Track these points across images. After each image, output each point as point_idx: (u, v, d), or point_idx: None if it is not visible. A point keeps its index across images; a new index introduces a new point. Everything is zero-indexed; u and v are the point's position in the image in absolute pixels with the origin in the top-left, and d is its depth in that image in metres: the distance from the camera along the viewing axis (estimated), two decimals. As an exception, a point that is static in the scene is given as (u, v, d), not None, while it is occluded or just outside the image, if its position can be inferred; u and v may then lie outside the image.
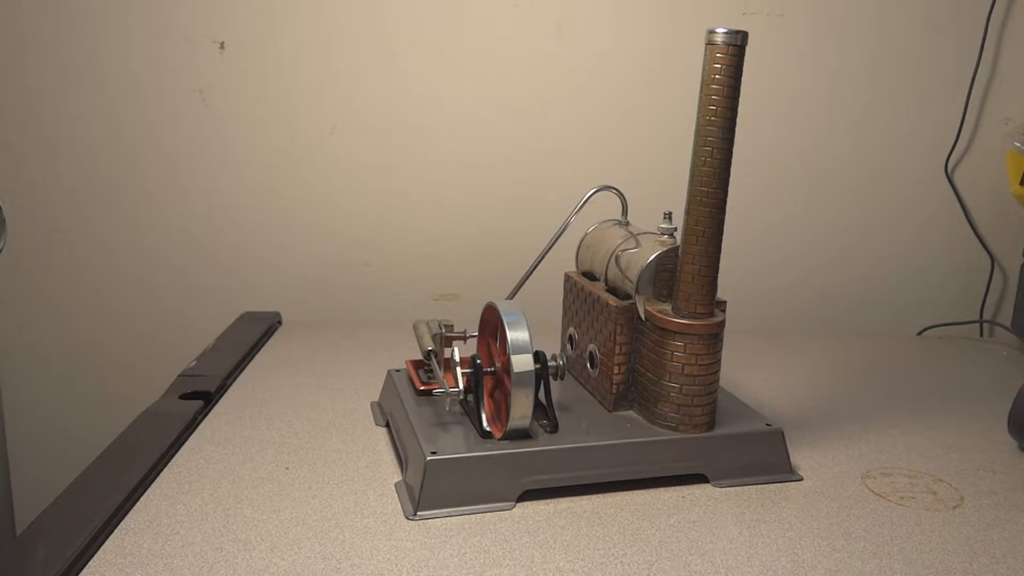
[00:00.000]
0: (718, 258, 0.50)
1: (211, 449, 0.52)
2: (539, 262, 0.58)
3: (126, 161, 0.86)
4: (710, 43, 0.48)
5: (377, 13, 0.83)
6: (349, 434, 0.55)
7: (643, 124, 0.87)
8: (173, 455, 0.51)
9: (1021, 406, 0.56)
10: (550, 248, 0.59)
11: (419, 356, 0.57)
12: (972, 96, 0.85)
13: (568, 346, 0.61)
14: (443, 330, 0.55)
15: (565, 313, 0.62)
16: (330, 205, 0.87)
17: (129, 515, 0.43)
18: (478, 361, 0.50)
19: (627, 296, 0.54)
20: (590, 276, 0.60)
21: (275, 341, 0.76)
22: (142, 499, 0.45)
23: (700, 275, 0.50)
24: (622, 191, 0.88)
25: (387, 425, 0.56)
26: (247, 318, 0.81)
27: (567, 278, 0.61)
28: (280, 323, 0.81)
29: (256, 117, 0.85)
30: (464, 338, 0.56)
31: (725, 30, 0.47)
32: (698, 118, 0.51)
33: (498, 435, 0.48)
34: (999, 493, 0.50)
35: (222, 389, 0.62)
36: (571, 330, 0.60)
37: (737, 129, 0.88)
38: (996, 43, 0.85)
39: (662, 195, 0.89)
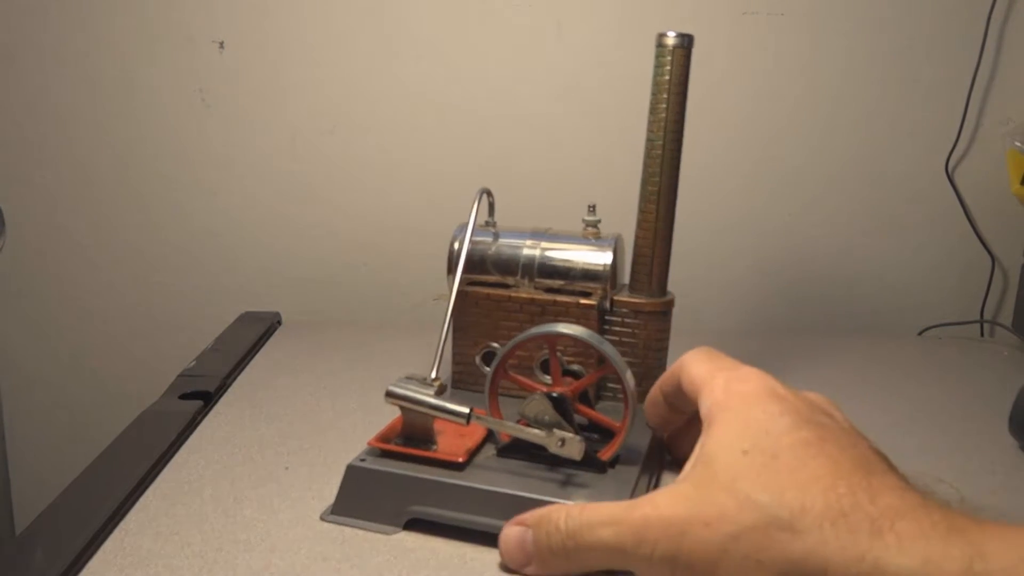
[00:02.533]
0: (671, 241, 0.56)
1: (211, 449, 0.52)
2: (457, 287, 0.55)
3: (125, 161, 0.86)
4: (661, 44, 0.55)
5: (377, 13, 0.83)
6: (349, 434, 0.55)
7: (641, 123, 0.87)
8: (173, 455, 0.51)
9: (1022, 406, 0.56)
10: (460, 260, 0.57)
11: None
12: (972, 96, 0.85)
13: (480, 361, 0.57)
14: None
15: (461, 329, 0.57)
16: (330, 205, 0.87)
17: (129, 515, 0.43)
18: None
19: (582, 293, 0.54)
20: (482, 284, 0.56)
21: (275, 341, 0.76)
22: (142, 499, 0.45)
23: (655, 259, 0.55)
24: (622, 190, 0.88)
25: None
26: (247, 318, 0.81)
27: (468, 294, 0.56)
28: (280, 323, 0.81)
29: (256, 117, 0.85)
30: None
31: (675, 33, 0.55)
32: (650, 115, 0.58)
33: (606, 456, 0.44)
34: (999, 493, 0.50)
35: (222, 389, 0.62)
36: (492, 344, 0.56)
37: (736, 129, 0.89)
38: (996, 43, 0.85)
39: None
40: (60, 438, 0.92)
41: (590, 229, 0.56)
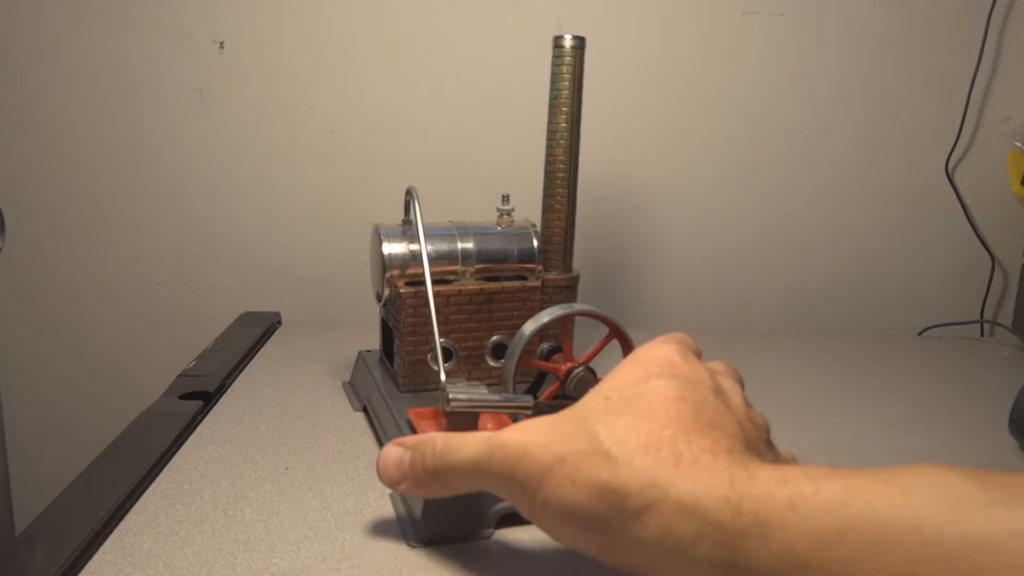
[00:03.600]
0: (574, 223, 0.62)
1: (211, 449, 0.52)
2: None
3: (125, 160, 0.86)
4: (559, 46, 0.59)
5: (377, 13, 0.83)
6: (349, 434, 0.55)
7: (643, 123, 0.87)
8: (173, 455, 0.51)
9: (1022, 406, 0.56)
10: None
11: None
12: (972, 96, 0.85)
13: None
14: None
15: (411, 330, 0.56)
16: (330, 205, 0.87)
17: (129, 515, 0.43)
18: None
19: (519, 277, 0.57)
20: (418, 283, 0.55)
21: (275, 341, 0.76)
22: (142, 499, 0.45)
23: (567, 238, 0.61)
24: (622, 188, 0.88)
25: (364, 410, 0.57)
26: (247, 318, 0.81)
27: (414, 294, 0.55)
28: (280, 323, 0.81)
29: (256, 117, 0.85)
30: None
31: (571, 36, 0.59)
32: (552, 111, 0.62)
33: None
34: (1000, 493, 0.50)
35: (222, 389, 0.62)
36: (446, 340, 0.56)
37: (736, 129, 0.89)
38: (996, 43, 0.85)
39: (661, 191, 0.89)
40: (60, 438, 0.91)
41: (505, 218, 0.58)
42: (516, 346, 0.49)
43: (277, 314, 0.82)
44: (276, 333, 0.78)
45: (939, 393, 0.67)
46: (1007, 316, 0.90)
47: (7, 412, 0.89)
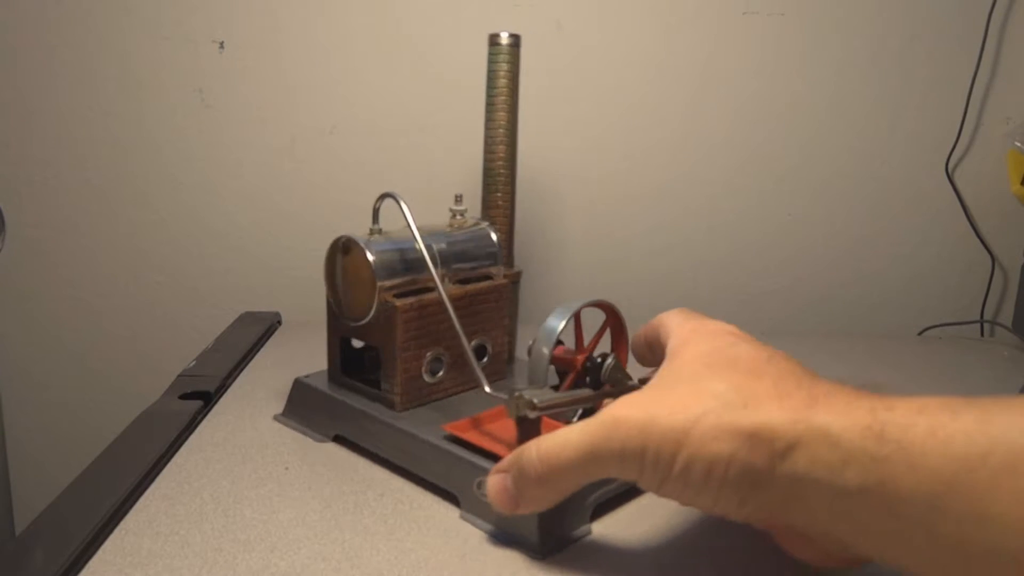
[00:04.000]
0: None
1: (211, 449, 0.52)
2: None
3: (125, 160, 0.86)
4: (495, 44, 0.59)
5: (378, 13, 0.83)
6: (349, 434, 0.55)
7: (643, 122, 0.87)
8: (173, 455, 0.51)
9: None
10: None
11: None
12: (972, 96, 0.85)
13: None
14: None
15: (405, 344, 0.52)
16: (330, 205, 0.87)
17: (129, 515, 0.43)
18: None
19: (485, 276, 0.56)
20: (406, 294, 0.52)
21: (275, 341, 0.76)
22: (142, 499, 0.45)
23: (509, 235, 0.62)
24: (621, 189, 0.88)
25: (336, 439, 0.53)
26: (247, 318, 0.81)
27: (401, 306, 0.52)
28: (280, 323, 0.81)
29: (256, 117, 0.85)
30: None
31: (508, 34, 0.59)
32: (489, 111, 0.61)
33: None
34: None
35: (222, 389, 0.62)
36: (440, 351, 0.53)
37: (736, 128, 0.88)
38: (996, 43, 0.85)
39: (661, 190, 0.89)
40: (60, 438, 0.91)
41: (459, 219, 0.57)
42: (546, 341, 0.47)
43: (277, 314, 0.82)
44: (276, 333, 0.78)
45: (939, 393, 0.67)
46: (1007, 316, 0.90)
47: (7, 412, 0.89)
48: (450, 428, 0.46)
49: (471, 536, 0.42)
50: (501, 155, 0.61)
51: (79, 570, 0.38)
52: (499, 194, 0.61)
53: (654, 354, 0.47)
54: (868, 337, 0.85)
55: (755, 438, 0.32)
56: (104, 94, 0.84)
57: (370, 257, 0.49)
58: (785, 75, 0.86)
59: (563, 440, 0.36)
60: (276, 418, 0.57)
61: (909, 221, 0.90)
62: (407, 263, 0.51)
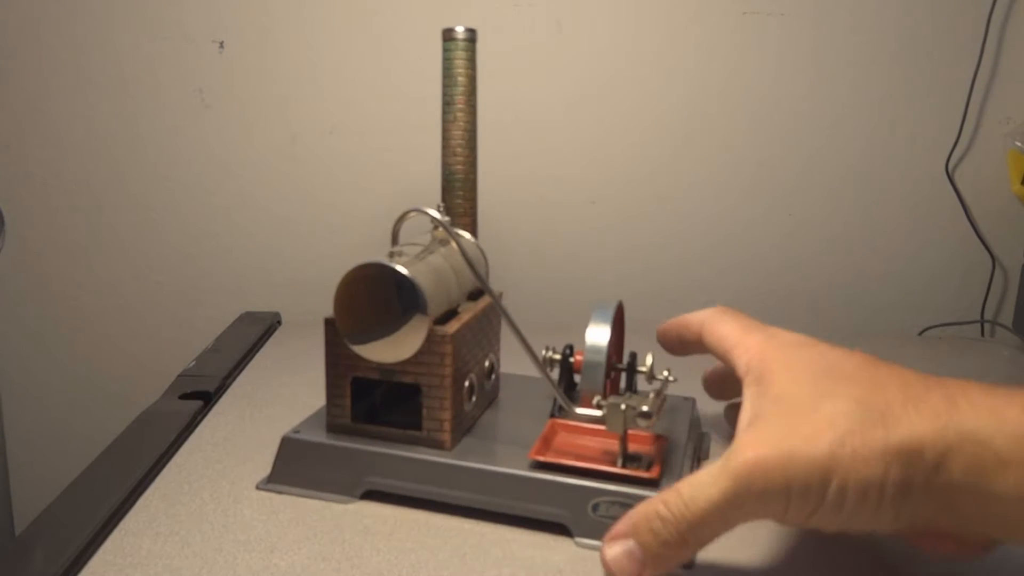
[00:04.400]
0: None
1: (211, 449, 0.52)
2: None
3: (125, 160, 0.86)
4: (451, 39, 0.59)
5: (378, 13, 0.83)
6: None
7: (643, 122, 0.87)
8: (173, 455, 0.51)
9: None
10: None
11: None
12: (973, 96, 0.85)
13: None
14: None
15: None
16: (330, 205, 0.87)
17: (129, 515, 0.43)
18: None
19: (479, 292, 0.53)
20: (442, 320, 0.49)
21: (275, 341, 0.75)
22: (142, 499, 0.45)
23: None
24: (621, 190, 0.88)
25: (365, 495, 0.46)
26: (247, 318, 0.80)
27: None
28: (280, 323, 0.81)
29: (256, 117, 0.85)
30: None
31: (464, 28, 0.58)
32: (446, 108, 0.60)
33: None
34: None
35: (222, 389, 0.62)
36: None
37: (736, 129, 0.88)
38: (996, 43, 0.85)
39: (660, 190, 0.89)
40: (60, 438, 0.91)
41: (440, 231, 0.54)
42: (597, 351, 0.45)
43: (277, 314, 0.82)
44: (276, 333, 0.78)
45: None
46: (1007, 316, 0.90)
47: (7, 412, 0.89)
48: (536, 455, 0.43)
49: (469, 537, 0.42)
50: (460, 160, 0.59)
51: (79, 570, 0.38)
52: (459, 200, 0.59)
53: (684, 348, 0.48)
54: (868, 337, 0.85)
55: (905, 453, 0.31)
56: (104, 94, 0.84)
57: (421, 287, 0.43)
58: (785, 75, 0.86)
59: (694, 494, 0.34)
60: (261, 487, 0.46)
61: (909, 221, 0.90)
62: (443, 286, 0.46)
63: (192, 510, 0.44)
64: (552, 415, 0.49)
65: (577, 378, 0.48)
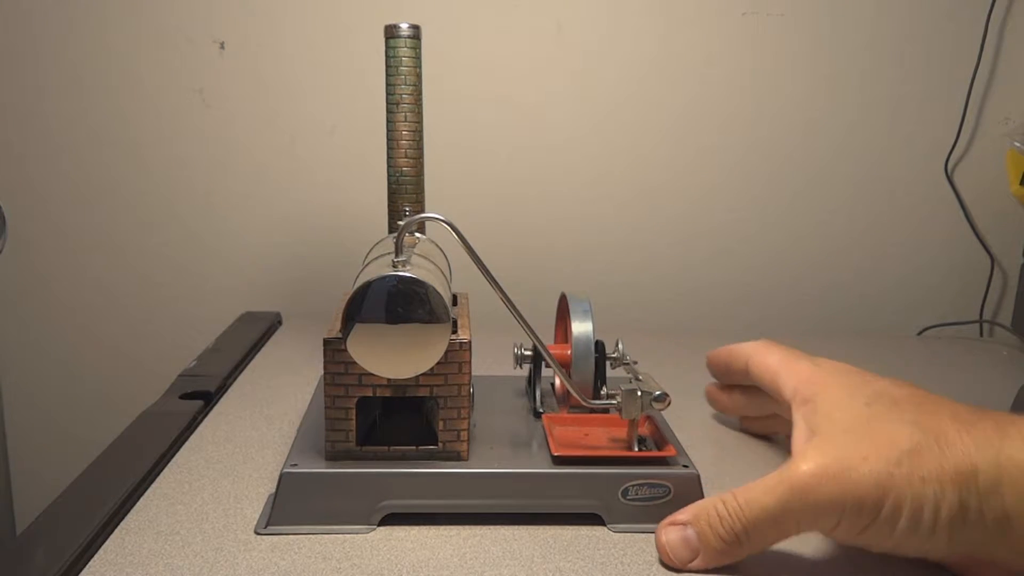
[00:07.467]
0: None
1: (211, 449, 0.52)
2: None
3: (126, 160, 0.86)
4: (395, 36, 0.58)
5: (377, 13, 0.83)
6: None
7: (642, 123, 0.87)
8: (173, 455, 0.51)
9: (1021, 406, 0.56)
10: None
11: None
12: (972, 96, 0.85)
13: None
14: None
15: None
16: (330, 205, 0.87)
17: (129, 515, 0.43)
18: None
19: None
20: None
21: (275, 341, 0.76)
22: (142, 499, 0.45)
23: None
24: (622, 189, 0.88)
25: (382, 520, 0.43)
26: (247, 318, 0.81)
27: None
28: (280, 323, 0.81)
29: (256, 117, 0.85)
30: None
31: (408, 24, 0.57)
32: (392, 107, 0.59)
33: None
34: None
35: (222, 389, 0.62)
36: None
37: (736, 129, 0.88)
38: (996, 43, 0.85)
39: (661, 191, 0.89)
40: (61, 438, 0.91)
41: (411, 236, 0.54)
42: (587, 344, 0.47)
43: (277, 314, 0.82)
44: (276, 333, 0.78)
45: (939, 393, 0.67)
46: (1007, 316, 0.90)
47: (7, 412, 0.89)
48: (559, 451, 0.44)
49: (471, 535, 0.42)
50: (406, 163, 0.58)
51: (79, 570, 0.38)
52: (407, 206, 0.58)
53: (730, 376, 0.51)
54: (868, 337, 0.85)
55: (960, 477, 0.32)
56: (105, 94, 0.84)
57: (442, 296, 0.42)
58: (785, 75, 0.86)
59: (746, 500, 0.35)
60: (260, 532, 0.42)
61: (909, 221, 0.90)
62: (448, 294, 0.46)
63: (192, 510, 0.44)
64: (538, 412, 0.50)
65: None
